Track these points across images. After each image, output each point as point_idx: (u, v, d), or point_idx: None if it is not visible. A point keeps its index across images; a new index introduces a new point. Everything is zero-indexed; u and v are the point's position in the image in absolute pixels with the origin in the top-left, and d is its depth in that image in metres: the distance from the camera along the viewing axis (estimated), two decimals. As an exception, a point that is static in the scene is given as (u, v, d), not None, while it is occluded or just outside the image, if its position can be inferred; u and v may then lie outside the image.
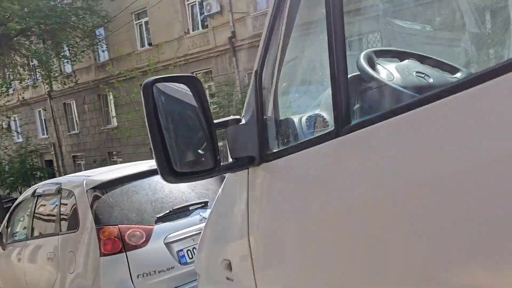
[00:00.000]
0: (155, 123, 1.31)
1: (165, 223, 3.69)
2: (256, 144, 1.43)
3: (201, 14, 19.17)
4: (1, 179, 21.86)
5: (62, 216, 4.13)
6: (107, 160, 23.61)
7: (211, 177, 1.44)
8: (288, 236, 1.37)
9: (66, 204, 4.13)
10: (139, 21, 21.25)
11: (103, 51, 22.27)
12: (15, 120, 23.05)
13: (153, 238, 3.57)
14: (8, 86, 19.59)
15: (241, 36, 17.58)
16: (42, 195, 4.68)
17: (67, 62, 20.71)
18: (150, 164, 4.26)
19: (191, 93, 1.40)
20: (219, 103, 16.53)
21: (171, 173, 1.32)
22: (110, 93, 22.89)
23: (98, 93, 23.43)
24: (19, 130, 23.42)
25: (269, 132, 1.44)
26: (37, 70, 20.92)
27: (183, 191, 4.01)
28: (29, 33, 18.70)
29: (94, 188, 3.80)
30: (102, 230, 3.53)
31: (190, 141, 1.37)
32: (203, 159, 1.38)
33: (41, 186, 4.84)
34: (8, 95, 24.71)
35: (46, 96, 25.79)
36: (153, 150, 1.34)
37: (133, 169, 4.07)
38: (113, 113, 23.10)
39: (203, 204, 3.94)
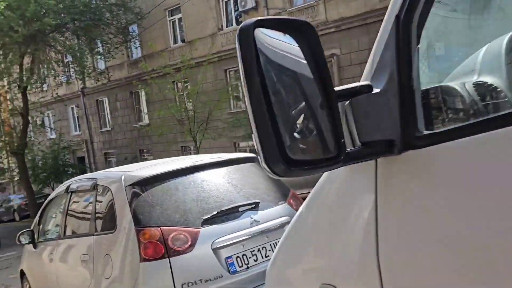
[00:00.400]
0: (259, 87, 0.86)
1: (212, 226, 3.24)
2: (398, 122, 0.95)
3: (235, 10, 18.81)
4: (34, 174, 22.12)
5: (97, 215, 3.75)
6: (138, 157, 23.58)
7: (333, 168, 0.96)
8: (448, 268, 0.88)
9: (101, 202, 3.76)
10: (172, 17, 21.09)
11: (136, 48, 22.23)
12: (48, 117, 23.30)
13: (199, 243, 3.13)
14: (43, 82, 19.73)
15: (276, 32, 17.10)
16: (76, 191, 4.34)
17: (101, 58, 20.73)
18: (194, 159, 3.85)
19: (301, 47, 0.95)
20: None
21: (283, 161, 0.85)
22: (142, 90, 22.88)
23: (130, 90, 23.44)
24: (52, 126, 23.65)
25: (417, 105, 0.96)
26: (71, 66, 21.03)
27: (230, 190, 3.57)
28: (63, 29, 18.80)
29: (133, 185, 3.40)
30: (142, 232, 3.12)
31: (304, 116, 0.92)
32: (320, 142, 0.92)
33: (75, 182, 4.51)
34: (42, 91, 25.09)
35: (79, 93, 26.01)
36: (254, 125, 0.87)
37: (175, 165, 3.66)
38: (145, 110, 23.07)
39: (253, 205, 3.47)
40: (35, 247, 5.05)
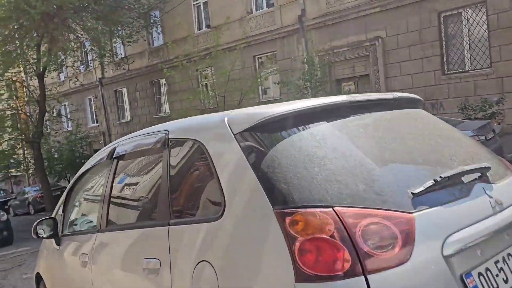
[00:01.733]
0: None
1: (433, 209, 1.55)
2: None
3: (266, -8, 17.19)
4: (50, 166, 20.59)
5: (173, 191, 2.10)
6: (157, 150, 22.00)
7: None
8: None
9: (183, 167, 2.10)
10: (197, 1, 19.49)
11: (159, 33, 20.66)
12: (65, 107, 21.67)
13: (419, 242, 1.45)
14: (62, 63, 18.10)
15: (312, 14, 15.42)
16: (128, 156, 2.70)
17: (121, 41, 19.16)
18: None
19: None
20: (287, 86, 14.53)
21: None
22: (163, 79, 21.32)
23: (150, 80, 21.87)
24: (69, 116, 22.08)
25: None
26: (89, 53, 19.47)
27: (429, 146, 1.90)
28: (83, 13, 17.25)
29: (252, 130, 1.73)
30: (293, 218, 1.45)
31: None
32: None
33: (125, 142, 2.84)
34: (59, 80, 23.59)
35: (97, 83, 24.51)
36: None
37: (320, 101, 1.95)
38: (166, 101, 21.49)
39: (482, 173, 1.79)
40: (58, 242, 3.41)
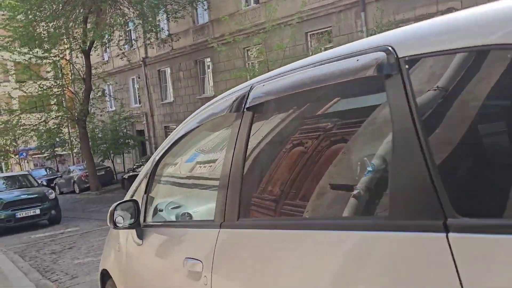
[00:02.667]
0: None
1: None
2: None
3: (320, -37, 15.74)
4: (95, 145, 20.15)
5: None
6: (201, 131, 21.18)
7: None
8: None
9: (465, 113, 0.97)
10: (245, -24, 18.27)
11: (205, 10, 19.60)
12: (109, 85, 21.04)
13: None
14: (110, 37, 17.34)
15: (373, -15, 13.95)
16: (282, 102, 1.60)
17: (166, 19, 18.26)
18: None
19: None
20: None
21: None
22: (208, 58, 20.36)
23: (195, 59, 20.95)
24: (112, 96, 21.49)
25: None
26: (137, 25, 18.63)
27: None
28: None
29: None
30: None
31: None
32: None
33: (271, 81, 1.68)
34: (103, 60, 23.09)
35: (141, 62, 23.81)
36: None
37: None
38: (211, 81, 20.54)
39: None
40: (140, 235, 2.39)
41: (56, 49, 16.83)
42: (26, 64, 17.13)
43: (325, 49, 15.26)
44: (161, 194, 2.65)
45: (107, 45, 19.02)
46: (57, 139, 23.51)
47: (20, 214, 10.54)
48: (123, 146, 20.18)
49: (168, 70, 22.77)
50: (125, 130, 21.41)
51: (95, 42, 16.54)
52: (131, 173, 16.49)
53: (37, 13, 15.31)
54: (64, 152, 28.15)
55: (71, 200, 17.51)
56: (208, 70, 20.69)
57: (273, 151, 1.70)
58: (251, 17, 17.90)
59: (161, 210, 2.63)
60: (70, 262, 6.73)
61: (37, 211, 10.77)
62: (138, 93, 25.01)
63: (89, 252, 7.26)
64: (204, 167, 2.39)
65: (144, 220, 2.47)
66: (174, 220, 2.47)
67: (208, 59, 20.33)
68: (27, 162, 32.00)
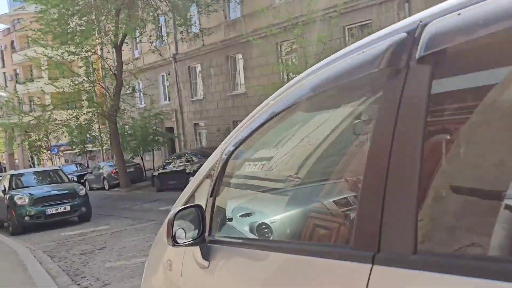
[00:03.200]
0: None
1: None
2: None
3: (362, -48, 14.83)
4: (125, 141, 19.81)
5: None
6: (231, 129, 20.58)
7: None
8: None
9: None
10: (280, -31, 17.53)
11: (238, 3, 18.97)
12: (139, 82, 20.63)
13: None
14: (142, 28, 16.87)
15: (419, -26, 12.96)
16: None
17: (198, 13, 17.73)
18: None
19: None
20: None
21: None
22: (240, 54, 19.73)
23: (226, 55, 20.35)
24: (142, 94, 21.13)
25: None
26: (168, 20, 18.17)
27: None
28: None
29: None
30: None
31: None
32: None
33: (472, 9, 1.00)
34: (133, 56, 22.79)
35: (171, 59, 23.42)
36: None
37: None
38: (242, 77, 19.90)
39: None
40: (206, 255, 1.68)
41: (87, 44, 16.53)
42: (59, 60, 16.90)
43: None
44: (234, 197, 1.95)
45: (138, 38, 18.63)
46: (88, 136, 23.36)
47: (50, 210, 10.13)
48: (152, 143, 19.77)
49: (199, 67, 22.27)
50: (154, 127, 20.99)
51: (127, 36, 16.14)
52: (161, 171, 16.02)
53: (70, 7, 15.02)
54: (94, 149, 28.12)
55: (101, 196, 17.19)
56: (239, 66, 20.07)
57: (483, 134, 0.95)
58: (286, 11, 17.14)
59: (231, 219, 1.93)
60: (101, 266, 6.16)
61: (67, 208, 10.34)
62: (168, 90, 24.65)
63: (121, 255, 6.69)
64: (318, 161, 1.67)
65: (210, 233, 1.78)
66: (252, 235, 1.77)
67: (240, 55, 19.70)
68: (58, 158, 32.23)
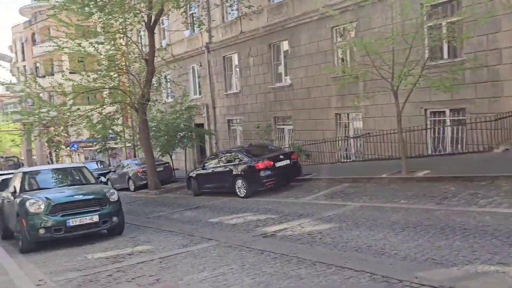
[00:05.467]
0: None
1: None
2: None
3: None
4: (155, 137, 17.06)
5: None
6: (271, 126, 17.77)
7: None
8: None
9: None
10: None
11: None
12: (166, 76, 17.81)
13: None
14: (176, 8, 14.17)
15: None
16: None
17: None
18: None
19: None
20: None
21: None
22: (285, 41, 16.93)
23: (268, 43, 17.55)
24: (173, 82, 18.32)
25: None
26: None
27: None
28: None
29: None
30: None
31: None
32: None
33: None
34: (161, 46, 20.11)
35: (204, 49, 20.72)
36: None
37: None
38: (286, 68, 17.09)
39: None
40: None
41: (117, 22, 13.86)
42: (80, 51, 14.31)
43: (450, 25, 11.47)
44: None
45: (166, 26, 15.89)
46: (110, 131, 20.72)
47: (73, 221, 7.37)
48: (184, 140, 16.99)
49: (235, 56, 19.50)
50: (186, 123, 18.22)
51: (161, 14, 13.39)
52: (199, 171, 13.23)
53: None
54: (116, 146, 25.60)
55: (127, 199, 14.45)
56: (284, 55, 17.27)
57: None
58: (344, -11, 14.32)
59: None
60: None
61: (95, 218, 7.57)
62: (199, 83, 21.93)
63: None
64: None
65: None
66: None
67: (286, 42, 16.90)
68: (78, 155, 29.74)
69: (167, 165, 17.85)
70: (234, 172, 11.57)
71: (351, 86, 14.35)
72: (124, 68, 15.07)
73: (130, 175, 17.82)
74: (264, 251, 5.71)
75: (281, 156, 11.40)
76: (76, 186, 8.55)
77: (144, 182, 16.75)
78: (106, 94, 17.31)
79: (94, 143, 22.95)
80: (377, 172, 10.79)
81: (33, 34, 36.66)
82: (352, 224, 6.75)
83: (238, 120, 19.79)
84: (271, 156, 11.29)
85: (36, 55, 34.45)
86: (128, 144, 23.74)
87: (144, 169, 16.77)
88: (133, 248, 6.85)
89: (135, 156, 25.69)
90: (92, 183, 8.93)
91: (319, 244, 5.83)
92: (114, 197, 8.08)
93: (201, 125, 20.87)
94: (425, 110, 12.68)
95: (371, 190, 9.47)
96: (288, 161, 11.44)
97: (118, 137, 22.32)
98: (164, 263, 5.70)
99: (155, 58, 15.52)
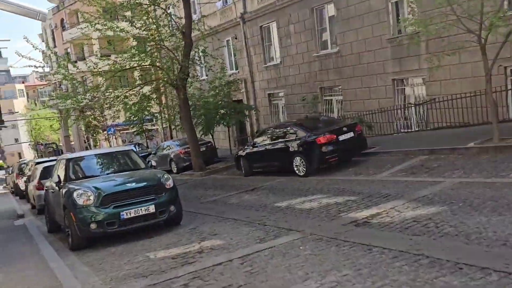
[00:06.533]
0: None
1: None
2: None
3: None
4: (196, 115, 15.87)
5: None
6: (319, 98, 16.25)
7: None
8: None
9: None
10: None
11: None
12: (205, 48, 16.44)
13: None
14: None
15: None
16: None
17: None
18: None
19: None
20: None
21: None
22: (331, 3, 15.16)
23: (311, 7, 15.85)
24: (211, 56, 16.95)
25: None
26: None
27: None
28: None
29: None
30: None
31: None
32: None
33: None
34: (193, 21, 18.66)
35: (238, 20, 19.19)
36: None
37: None
38: (333, 33, 15.39)
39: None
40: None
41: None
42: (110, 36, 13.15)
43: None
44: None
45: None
46: (146, 113, 19.68)
47: (128, 213, 6.29)
48: (226, 117, 15.70)
49: (274, 25, 17.88)
50: (225, 99, 16.92)
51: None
52: (249, 149, 11.99)
53: None
54: (152, 127, 24.75)
55: (184, 182, 13.44)
56: (329, 19, 15.55)
57: None
58: None
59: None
60: None
61: (151, 208, 6.47)
62: (235, 56, 20.49)
63: None
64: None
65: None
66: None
67: (331, 5, 15.16)
68: (115, 138, 29.19)
69: (209, 144, 16.73)
70: (291, 149, 10.25)
71: (410, 47, 12.68)
72: (161, 42, 13.78)
73: (172, 156, 16.83)
74: (372, 247, 4.41)
75: (345, 129, 9.97)
76: (125, 173, 7.45)
77: (187, 163, 15.72)
78: (139, 75, 16.21)
79: (131, 126, 22.08)
80: (459, 142, 9.22)
81: (62, 20, 35.93)
82: (466, 206, 5.34)
83: (279, 93, 18.35)
84: (333, 129, 9.87)
85: (66, 41, 33.76)
86: (164, 125, 22.78)
87: (186, 150, 15.70)
88: (200, 244, 5.69)
89: (171, 138, 24.80)
90: (142, 168, 7.81)
91: (441, 236, 4.47)
92: (170, 183, 6.94)
93: (240, 101, 19.54)
94: (505, 68, 10.88)
95: (461, 163, 7.95)
96: (352, 134, 10.00)
97: (155, 119, 21.32)
98: (248, 265, 4.49)
99: (196, 27, 14.18)
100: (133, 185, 6.62)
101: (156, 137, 26.74)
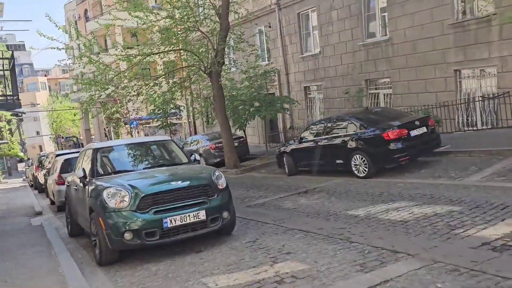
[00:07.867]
0: None
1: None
2: None
3: None
4: (230, 108, 14.34)
5: None
6: (364, 92, 14.55)
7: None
8: None
9: None
10: None
11: None
12: (242, 34, 14.80)
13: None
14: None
15: None
16: None
17: None
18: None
19: None
20: None
21: None
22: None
23: (359, -10, 14.19)
24: (247, 43, 15.33)
25: None
26: None
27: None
28: None
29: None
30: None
31: None
32: None
33: None
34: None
35: (274, 6, 17.62)
36: None
37: None
38: (384, 19, 13.70)
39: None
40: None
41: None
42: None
43: None
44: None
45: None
46: (172, 106, 18.30)
47: (172, 221, 4.80)
48: (262, 110, 14.11)
49: (313, 12, 16.28)
50: (260, 91, 15.32)
51: None
52: (295, 145, 10.42)
53: None
54: (177, 121, 23.42)
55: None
56: (377, 4, 13.86)
57: None
58: None
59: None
60: None
61: (201, 215, 4.95)
62: (267, 46, 18.92)
63: None
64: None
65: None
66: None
67: (384, -14, 13.48)
68: (138, 132, 27.96)
69: (242, 139, 15.22)
70: (349, 145, 8.63)
71: (478, 32, 10.96)
72: (196, 24, 12.29)
73: (201, 152, 15.36)
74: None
75: (417, 122, 8.32)
76: (165, 168, 5.94)
77: (219, 159, 14.23)
78: (167, 64, 14.78)
79: (155, 119, 20.75)
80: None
81: (86, 10, 34.89)
82: None
83: (317, 86, 16.71)
84: (403, 123, 8.22)
85: (89, 32, 32.67)
86: (190, 120, 21.38)
87: (217, 145, 14.23)
88: (274, 267, 4.14)
89: (195, 132, 23.37)
90: (184, 163, 6.30)
91: None
92: (222, 183, 5.41)
93: (272, 94, 17.96)
94: None
95: None
96: (425, 129, 8.35)
97: (181, 111, 19.90)
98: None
99: (233, 9, 12.65)
100: (179, 184, 5.08)
101: (179, 131, 25.41)
